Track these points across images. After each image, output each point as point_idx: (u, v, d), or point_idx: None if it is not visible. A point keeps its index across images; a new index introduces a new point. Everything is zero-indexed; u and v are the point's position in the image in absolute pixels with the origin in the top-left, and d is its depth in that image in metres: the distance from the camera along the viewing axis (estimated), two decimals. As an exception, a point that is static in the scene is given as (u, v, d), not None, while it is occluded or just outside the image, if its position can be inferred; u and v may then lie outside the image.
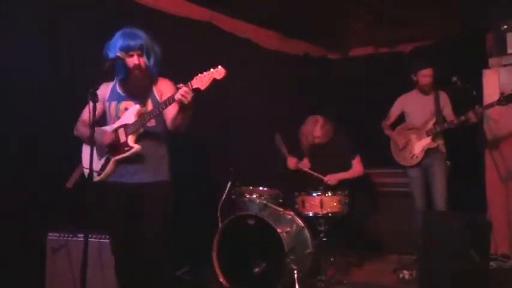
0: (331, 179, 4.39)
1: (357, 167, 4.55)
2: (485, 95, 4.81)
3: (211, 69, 2.65)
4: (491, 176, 4.79)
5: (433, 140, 4.44)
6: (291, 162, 4.55)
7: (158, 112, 2.81)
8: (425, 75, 4.46)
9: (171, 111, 2.82)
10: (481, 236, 3.64)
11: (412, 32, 5.78)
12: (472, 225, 3.60)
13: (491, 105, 4.17)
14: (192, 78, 2.66)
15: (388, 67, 5.94)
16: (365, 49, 6.43)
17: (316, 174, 4.42)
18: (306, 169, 4.50)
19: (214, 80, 2.63)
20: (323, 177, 4.39)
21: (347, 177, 4.48)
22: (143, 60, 2.89)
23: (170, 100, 2.72)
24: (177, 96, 2.64)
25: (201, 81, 2.63)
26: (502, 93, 4.19)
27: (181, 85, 2.66)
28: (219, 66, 2.64)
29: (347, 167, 4.54)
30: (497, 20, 4.85)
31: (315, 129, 4.52)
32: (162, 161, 3.00)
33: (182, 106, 2.68)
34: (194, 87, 2.64)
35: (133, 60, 2.86)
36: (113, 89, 3.01)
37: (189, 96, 2.63)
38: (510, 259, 4.44)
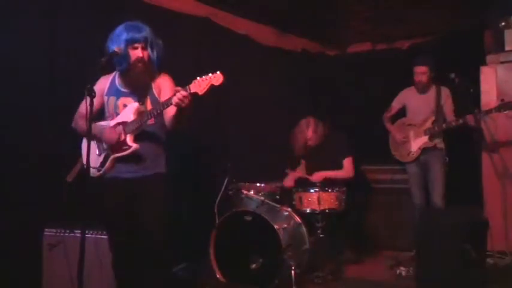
0: (315, 176, 4.39)
1: (346, 168, 4.46)
2: (482, 92, 4.81)
3: (210, 74, 2.61)
4: (487, 174, 4.79)
5: (430, 139, 4.46)
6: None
7: (157, 113, 2.79)
8: (418, 73, 4.47)
9: (169, 111, 2.79)
10: (478, 232, 3.65)
11: (410, 29, 5.78)
12: (469, 221, 3.61)
13: (490, 111, 4.19)
14: (190, 82, 2.62)
15: (385, 63, 5.93)
16: (363, 45, 6.43)
17: (303, 175, 4.52)
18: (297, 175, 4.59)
19: (212, 86, 2.60)
20: (309, 177, 4.42)
21: (333, 177, 4.39)
22: (147, 53, 2.86)
23: (168, 102, 2.69)
24: (175, 99, 2.61)
25: (199, 86, 2.60)
26: (502, 100, 4.18)
27: (178, 88, 2.62)
28: (218, 72, 2.61)
29: (340, 166, 4.50)
30: (495, 17, 4.85)
31: (307, 131, 4.48)
32: (159, 157, 2.99)
33: (180, 109, 2.66)
34: (192, 91, 2.61)
35: (137, 53, 2.83)
36: (112, 83, 2.98)
37: (187, 100, 2.60)
38: (507, 256, 4.46)
